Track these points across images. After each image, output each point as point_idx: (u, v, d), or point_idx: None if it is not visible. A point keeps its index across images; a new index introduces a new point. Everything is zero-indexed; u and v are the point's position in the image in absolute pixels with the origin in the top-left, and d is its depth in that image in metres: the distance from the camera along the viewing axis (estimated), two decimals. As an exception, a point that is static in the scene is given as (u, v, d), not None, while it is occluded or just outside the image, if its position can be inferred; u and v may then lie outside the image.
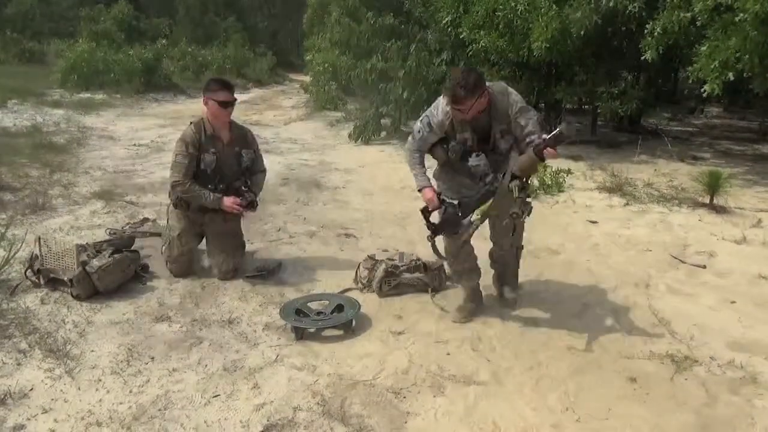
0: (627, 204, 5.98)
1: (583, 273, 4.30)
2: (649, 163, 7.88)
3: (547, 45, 7.42)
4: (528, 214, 3.09)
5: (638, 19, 7.27)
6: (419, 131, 3.31)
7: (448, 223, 3.26)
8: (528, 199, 3.08)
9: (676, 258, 4.53)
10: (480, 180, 3.21)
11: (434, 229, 3.31)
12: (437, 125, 3.23)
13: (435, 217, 3.34)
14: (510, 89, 3.20)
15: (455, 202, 3.24)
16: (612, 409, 2.68)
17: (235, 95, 3.94)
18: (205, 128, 3.87)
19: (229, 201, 3.89)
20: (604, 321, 3.56)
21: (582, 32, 7.25)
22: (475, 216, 3.17)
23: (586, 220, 5.56)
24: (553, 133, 2.90)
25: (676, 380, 2.91)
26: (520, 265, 3.82)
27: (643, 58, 7.00)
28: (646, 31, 6.88)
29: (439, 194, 3.30)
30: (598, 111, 9.75)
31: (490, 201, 3.14)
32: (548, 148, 2.90)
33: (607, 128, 10.92)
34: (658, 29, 6.68)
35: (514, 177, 3.03)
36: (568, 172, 6.72)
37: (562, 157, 8.11)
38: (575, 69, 8.93)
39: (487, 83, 3.11)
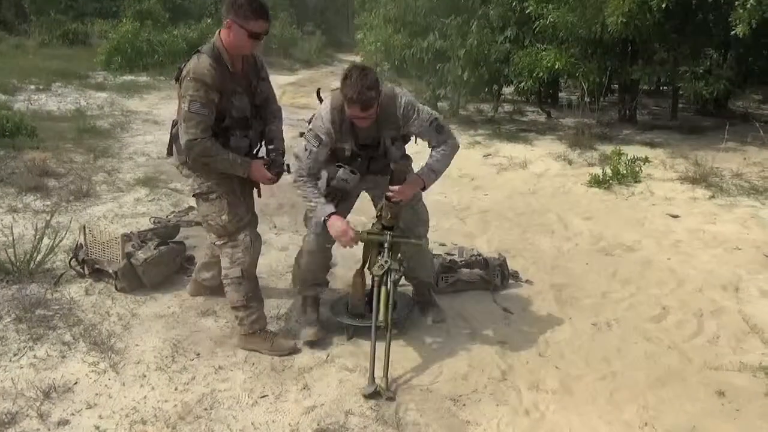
0: (713, 197, 5.75)
1: (663, 272, 4.16)
2: (737, 151, 7.54)
3: (624, 20, 7.15)
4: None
5: (728, -11, 6.95)
6: (306, 149, 2.97)
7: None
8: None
9: (770, 258, 4.34)
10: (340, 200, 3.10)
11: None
12: (326, 135, 2.94)
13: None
14: (398, 91, 3.05)
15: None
16: (697, 426, 2.58)
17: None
18: (225, 61, 2.95)
19: (259, 170, 3.11)
20: (687, 327, 3.44)
21: (664, 5, 6.97)
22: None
23: (665, 213, 5.37)
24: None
25: (771, 396, 2.78)
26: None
27: (732, 33, 6.69)
28: (737, 2, 6.56)
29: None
30: (680, 93, 9.40)
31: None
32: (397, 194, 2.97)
33: (689, 112, 10.54)
34: (751, 0, 6.36)
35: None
36: (645, 160, 6.49)
37: (638, 143, 7.88)
38: (654, 46, 8.61)
39: None
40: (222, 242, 3.14)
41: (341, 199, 3.12)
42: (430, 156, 3.10)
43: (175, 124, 3.13)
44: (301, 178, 3.00)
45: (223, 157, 2.99)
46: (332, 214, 2.97)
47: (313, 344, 3.14)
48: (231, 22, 2.86)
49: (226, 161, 3.01)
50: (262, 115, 3.22)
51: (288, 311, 3.54)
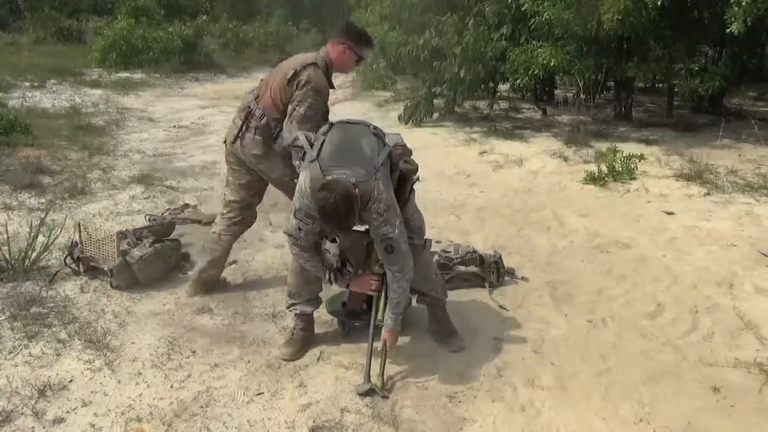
0: (708, 194, 5.76)
1: (658, 269, 4.16)
2: (732, 148, 7.56)
3: (619, 17, 7.15)
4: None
5: (723, -14, 6.95)
6: (300, 228, 2.79)
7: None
8: None
9: (764, 255, 4.34)
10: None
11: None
12: (314, 210, 2.72)
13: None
14: (376, 192, 2.68)
15: None
16: (692, 422, 2.59)
17: None
18: (329, 76, 3.38)
19: None
20: (682, 323, 3.45)
21: (659, 2, 6.98)
22: None
23: (661, 210, 5.38)
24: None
25: (765, 392, 2.79)
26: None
27: (728, 30, 6.69)
28: (732, 0, 6.57)
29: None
30: (675, 90, 9.41)
31: None
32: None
33: (685, 109, 10.55)
34: (746, -2, 6.36)
35: None
36: (641, 157, 6.50)
37: (634, 140, 7.89)
38: (650, 43, 8.62)
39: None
40: None
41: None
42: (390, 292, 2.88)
43: (255, 113, 3.38)
44: (305, 254, 2.89)
45: None
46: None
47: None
48: (346, 47, 3.32)
49: None
50: None
51: (282, 311, 3.53)
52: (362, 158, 2.73)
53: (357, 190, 2.59)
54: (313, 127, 3.14)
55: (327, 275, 2.94)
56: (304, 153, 2.85)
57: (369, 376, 2.80)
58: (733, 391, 2.79)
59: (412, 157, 3.04)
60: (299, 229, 2.79)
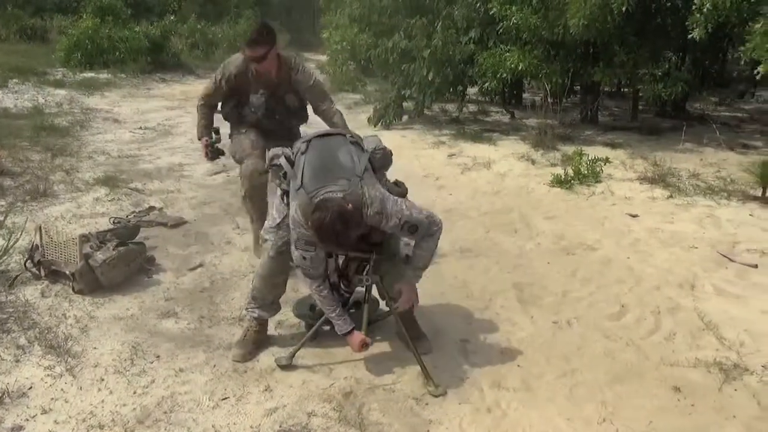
0: (670, 196, 5.87)
1: (622, 271, 4.23)
2: (694, 152, 7.73)
3: (585, 22, 7.26)
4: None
5: (685, -7, 7.10)
6: (305, 258, 2.80)
7: None
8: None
9: (724, 256, 4.43)
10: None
11: None
12: (312, 237, 2.69)
13: None
14: (366, 197, 2.68)
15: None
16: (653, 422, 2.63)
17: (270, 48, 3.73)
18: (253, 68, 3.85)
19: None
20: (644, 324, 3.50)
21: (624, 8, 7.10)
22: None
23: (625, 213, 5.46)
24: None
25: (724, 391, 2.85)
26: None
27: (690, 36, 6.84)
28: (694, 7, 6.71)
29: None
30: (640, 94, 9.59)
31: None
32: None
33: (649, 113, 10.75)
34: (707, 5, 6.50)
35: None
36: (606, 160, 6.60)
37: (600, 144, 8.01)
38: (615, 49, 8.75)
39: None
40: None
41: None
42: (414, 250, 2.91)
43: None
44: (319, 287, 2.88)
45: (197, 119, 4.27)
46: (352, 329, 2.90)
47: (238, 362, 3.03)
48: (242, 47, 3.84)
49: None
50: (316, 110, 4.18)
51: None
52: (343, 170, 2.74)
53: (348, 204, 2.57)
54: (204, 91, 4.08)
55: (336, 311, 2.90)
56: (284, 172, 2.85)
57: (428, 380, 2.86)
58: (693, 390, 2.85)
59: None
60: (303, 258, 2.79)
